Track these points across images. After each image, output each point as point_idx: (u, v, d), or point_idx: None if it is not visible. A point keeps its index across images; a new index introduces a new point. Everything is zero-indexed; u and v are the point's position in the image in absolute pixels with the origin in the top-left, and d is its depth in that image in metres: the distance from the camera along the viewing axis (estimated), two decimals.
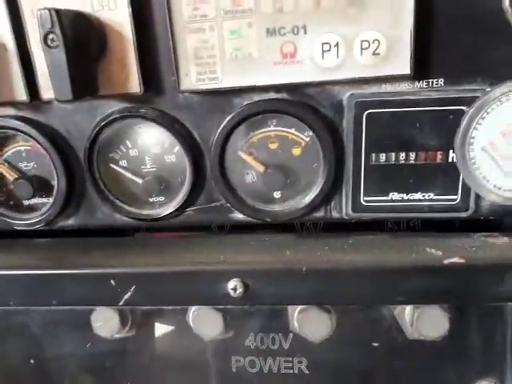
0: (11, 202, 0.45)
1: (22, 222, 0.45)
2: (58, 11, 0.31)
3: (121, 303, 0.40)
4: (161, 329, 0.51)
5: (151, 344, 0.54)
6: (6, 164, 0.43)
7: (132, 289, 0.41)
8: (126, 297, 0.41)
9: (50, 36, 0.32)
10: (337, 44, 0.33)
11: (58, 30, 0.32)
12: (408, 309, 0.47)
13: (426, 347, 0.49)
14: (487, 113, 0.33)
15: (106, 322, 0.48)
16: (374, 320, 0.50)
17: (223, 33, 0.33)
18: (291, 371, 0.55)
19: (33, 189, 0.44)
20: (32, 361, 0.48)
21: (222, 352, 0.54)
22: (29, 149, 0.43)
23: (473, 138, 0.33)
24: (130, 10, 0.34)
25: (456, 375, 0.52)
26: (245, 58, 0.34)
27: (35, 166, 0.44)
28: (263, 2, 0.33)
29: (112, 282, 0.40)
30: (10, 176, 0.43)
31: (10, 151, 0.44)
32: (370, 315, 0.51)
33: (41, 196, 0.44)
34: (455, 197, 0.38)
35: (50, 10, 0.31)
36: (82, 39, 0.33)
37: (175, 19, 0.34)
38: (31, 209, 0.45)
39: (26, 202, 0.45)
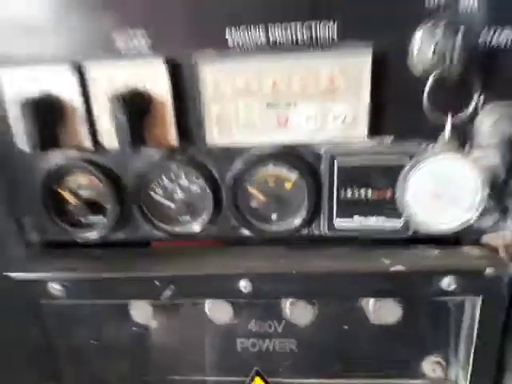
0: (73, 221, 0.56)
1: (82, 235, 0.56)
2: (125, 96, 0.44)
3: (162, 298, 0.53)
4: (182, 317, 0.64)
5: (175, 328, 0.64)
6: (69, 191, 0.56)
7: (170, 287, 0.53)
8: (165, 293, 0.53)
9: (117, 109, 0.45)
10: (316, 116, 0.47)
11: (122, 106, 0.45)
12: (371, 301, 0.58)
13: (385, 330, 0.60)
14: (420, 167, 0.46)
15: (143, 312, 0.62)
16: (346, 309, 0.61)
17: (238, 105, 0.47)
18: (284, 350, 0.66)
19: (90, 211, 0.55)
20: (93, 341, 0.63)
21: (230, 335, 0.65)
22: (88, 180, 0.55)
23: (408, 185, 0.47)
24: (170, 84, 0.46)
25: (409, 352, 0.63)
26: (252, 123, 0.47)
27: (92, 193, 0.55)
28: (265, 85, 0.46)
29: (156, 282, 0.53)
30: (72, 200, 0.56)
31: (72, 181, 0.54)
32: (343, 306, 0.61)
33: (96, 216, 0.56)
34: (399, 222, 0.51)
35: (117, 96, 0.44)
36: (137, 107, 0.47)
37: (203, 94, 0.46)
38: (89, 226, 0.56)
39: (84, 221, 0.56)
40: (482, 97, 0.44)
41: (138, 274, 0.55)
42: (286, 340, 0.64)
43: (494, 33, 0.43)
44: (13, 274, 0.56)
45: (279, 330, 0.64)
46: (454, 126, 0.45)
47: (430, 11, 0.42)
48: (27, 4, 0.45)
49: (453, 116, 0.44)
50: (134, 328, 0.62)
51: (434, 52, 0.41)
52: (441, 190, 0.46)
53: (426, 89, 0.43)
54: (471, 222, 0.47)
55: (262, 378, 0.63)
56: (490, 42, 0.43)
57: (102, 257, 0.57)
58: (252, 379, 0.63)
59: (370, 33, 0.43)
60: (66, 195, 0.55)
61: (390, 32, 0.43)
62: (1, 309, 0.61)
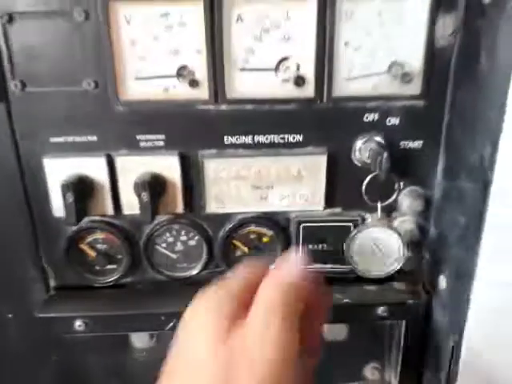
0: (92, 269, 0.68)
1: (99, 280, 0.68)
2: (148, 181, 0.59)
3: (167, 329, 0.66)
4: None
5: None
6: (89, 246, 0.68)
7: (173, 321, 0.65)
8: (170, 325, 0.66)
9: (141, 190, 0.60)
10: (288, 195, 0.63)
11: (144, 187, 0.60)
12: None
13: (336, 344, 0.75)
14: (361, 232, 0.63)
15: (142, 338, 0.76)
16: None
17: (231, 187, 0.63)
18: None
19: (106, 261, 0.69)
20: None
21: None
22: (104, 237, 0.67)
23: (353, 244, 0.65)
24: (180, 172, 0.62)
25: (352, 361, 0.78)
26: (241, 199, 0.63)
27: (108, 246, 0.67)
28: (251, 173, 0.62)
29: (163, 317, 0.66)
30: (91, 253, 0.69)
31: (92, 238, 0.67)
32: None
33: (111, 265, 0.68)
34: (347, 268, 0.66)
35: (141, 181, 0.59)
36: (155, 188, 0.61)
37: (206, 179, 0.61)
38: (104, 272, 0.68)
39: (100, 269, 0.68)
40: (402, 184, 0.64)
41: (145, 311, 0.69)
42: None
43: (410, 141, 0.62)
44: (41, 314, 0.67)
45: None
46: (384, 208, 0.64)
47: (366, 125, 0.61)
48: (74, 108, 0.59)
49: (382, 202, 0.63)
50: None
51: (368, 157, 0.59)
52: (375, 248, 0.64)
53: (364, 184, 0.61)
54: (395, 269, 0.66)
55: None
56: (407, 147, 0.62)
57: (115, 297, 0.69)
58: None
59: (325, 140, 0.61)
60: (87, 249, 0.69)
61: (339, 139, 0.61)
62: (26, 344, 0.71)
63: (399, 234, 0.62)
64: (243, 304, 0.38)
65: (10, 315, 0.71)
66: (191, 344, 0.37)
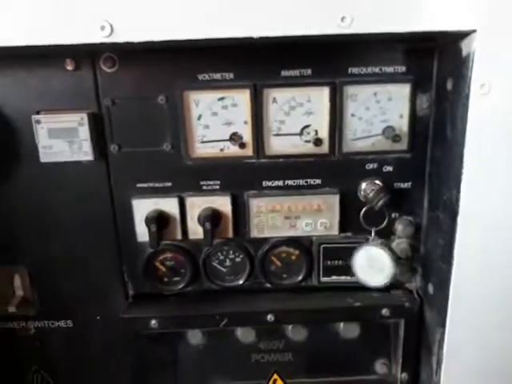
0: (163, 281, 0.87)
1: (168, 289, 0.88)
2: (209, 215, 0.81)
3: (220, 326, 0.85)
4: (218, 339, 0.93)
5: (213, 346, 0.92)
6: (160, 262, 0.89)
7: (225, 320, 0.84)
8: (223, 323, 0.85)
9: (204, 222, 0.82)
10: (311, 223, 0.83)
11: (206, 219, 0.81)
12: (341, 324, 0.88)
13: (350, 341, 0.89)
14: (361, 251, 0.80)
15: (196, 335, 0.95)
16: (326, 329, 0.89)
17: (268, 218, 0.83)
18: (283, 360, 0.92)
19: (172, 274, 0.90)
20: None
21: (247, 351, 0.92)
22: (172, 256, 0.87)
23: (355, 260, 0.83)
24: (231, 208, 0.83)
25: (365, 357, 0.92)
26: (276, 226, 0.83)
27: (174, 263, 0.86)
28: (284, 208, 0.84)
29: (217, 317, 0.85)
30: (162, 268, 0.89)
31: (163, 257, 0.90)
32: (324, 327, 0.89)
33: (176, 277, 0.88)
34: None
35: (204, 215, 0.81)
36: (213, 220, 0.82)
37: (250, 213, 0.81)
38: (171, 283, 0.87)
39: (168, 280, 0.87)
40: (397, 214, 0.84)
41: (203, 312, 0.88)
42: (284, 353, 0.93)
43: (402, 183, 0.83)
44: (125, 315, 0.87)
45: (280, 346, 0.92)
46: (377, 232, 0.83)
47: (368, 172, 0.82)
48: (155, 163, 0.81)
49: (376, 227, 0.83)
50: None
51: (369, 196, 0.80)
52: (372, 263, 0.81)
53: (361, 214, 0.81)
54: (389, 281, 0.81)
55: (279, 376, 0.94)
56: (399, 187, 0.83)
57: (180, 302, 0.89)
58: (271, 377, 0.97)
59: (338, 183, 0.82)
60: (159, 265, 0.90)
61: (348, 183, 0.81)
62: (112, 339, 0.91)
63: (390, 252, 0.80)
64: None
65: (98, 317, 0.92)
66: None
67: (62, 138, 0.76)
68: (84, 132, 0.76)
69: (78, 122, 0.76)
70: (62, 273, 0.87)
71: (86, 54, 0.73)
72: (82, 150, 0.77)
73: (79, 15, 0.59)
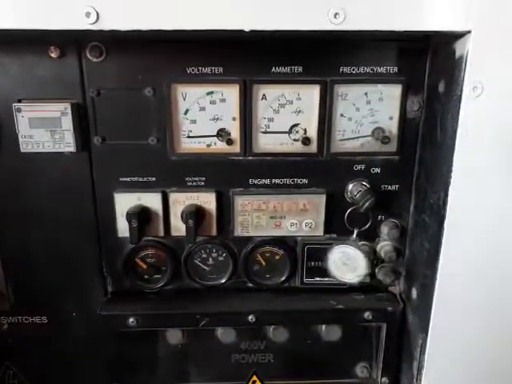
0: (143, 278, 0.85)
1: (148, 286, 0.86)
2: (193, 212, 0.79)
3: (200, 325, 0.83)
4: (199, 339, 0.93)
5: (193, 346, 0.92)
6: (140, 259, 0.88)
7: (205, 320, 0.83)
8: (203, 323, 0.83)
9: (188, 218, 0.80)
10: (296, 223, 0.83)
11: (190, 216, 0.80)
12: (324, 326, 0.89)
13: (331, 344, 0.91)
14: (337, 249, 0.81)
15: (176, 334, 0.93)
16: (308, 331, 0.90)
17: (253, 217, 0.83)
18: (264, 361, 0.93)
19: (153, 272, 0.88)
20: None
21: (227, 351, 0.91)
22: (154, 253, 0.86)
23: (330, 257, 0.81)
24: (215, 205, 0.82)
25: (347, 359, 0.93)
26: (260, 226, 0.83)
27: (155, 260, 0.85)
28: (269, 207, 0.82)
29: (197, 316, 0.83)
30: (143, 265, 0.88)
31: (144, 253, 0.85)
32: (306, 329, 0.90)
33: (157, 274, 0.86)
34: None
35: (187, 212, 0.79)
36: (197, 216, 0.80)
37: (234, 210, 0.80)
38: (151, 281, 0.86)
39: (149, 278, 0.86)
40: (383, 216, 0.84)
41: (183, 311, 0.86)
42: (265, 354, 0.93)
43: (389, 185, 0.82)
44: (102, 312, 0.85)
45: (261, 347, 0.92)
46: (362, 234, 0.82)
47: (356, 173, 0.81)
48: (140, 157, 0.79)
49: (359, 229, 0.82)
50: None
51: (355, 197, 0.79)
52: (347, 261, 0.81)
53: (346, 215, 0.81)
54: (361, 279, 0.82)
55: (258, 377, 0.95)
56: (386, 189, 0.82)
57: (160, 300, 0.87)
58: (250, 378, 0.96)
59: (325, 183, 0.81)
60: (139, 262, 0.88)
61: (335, 183, 0.81)
62: (89, 336, 0.89)
63: (365, 254, 0.80)
64: None
65: (74, 313, 0.90)
66: None
67: (44, 128, 0.74)
68: (67, 122, 0.74)
69: (60, 112, 0.73)
70: (38, 266, 0.84)
71: (72, 42, 0.71)
72: (64, 141, 0.75)
73: (64, 0, 0.56)
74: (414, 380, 0.82)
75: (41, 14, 0.57)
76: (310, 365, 0.94)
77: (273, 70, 0.73)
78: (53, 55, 0.72)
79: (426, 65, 0.73)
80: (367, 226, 0.81)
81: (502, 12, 0.57)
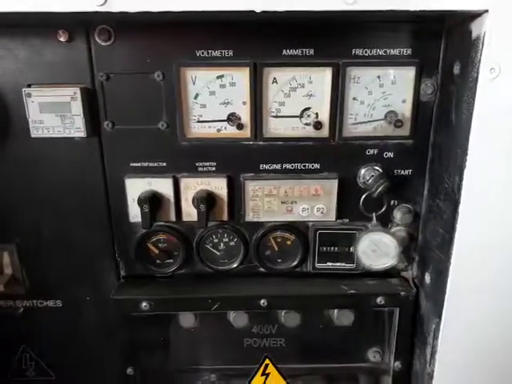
0: (155, 262, 0.86)
1: (160, 271, 0.86)
2: (204, 197, 0.79)
3: (212, 309, 0.84)
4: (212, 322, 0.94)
5: (205, 330, 0.93)
6: (153, 244, 0.89)
7: (217, 304, 0.83)
8: (215, 307, 0.84)
9: (199, 203, 0.80)
10: (307, 208, 0.82)
11: (201, 201, 0.80)
12: (335, 311, 0.88)
13: (344, 328, 0.90)
14: (364, 236, 0.80)
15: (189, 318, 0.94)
16: (320, 316, 0.90)
17: (264, 202, 0.82)
18: (276, 346, 0.93)
19: (165, 256, 0.89)
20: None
21: (239, 335, 0.92)
22: (166, 238, 0.86)
23: (358, 245, 0.81)
24: (227, 190, 0.82)
25: (359, 344, 0.93)
26: (272, 211, 0.82)
27: (168, 245, 0.85)
28: (280, 192, 0.81)
29: (209, 300, 0.84)
30: (155, 250, 0.88)
31: (156, 238, 0.85)
32: (318, 314, 0.90)
33: (169, 259, 0.87)
34: (353, 265, 0.84)
35: (199, 197, 0.79)
36: (209, 201, 0.80)
37: (246, 195, 0.80)
38: (163, 265, 0.86)
39: (161, 262, 0.86)
40: (396, 201, 0.82)
41: (195, 295, 0.87)
42: (277, 338, 0.93)
43: (402, 170, 0.81)
44: (115, 297, 0.86)
45: (273, 331, 0.93)
46: (378, 217, 0.82)
47: (368, 158, 0.80)
48: (150, 141, 0.79)
49: (376, 213, 0.81)
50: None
51: (368, 182, 0.78)
52: (375, 248, 0.80)
53: (361, 200, 0.80)
54: (392, 265, 0.82)
55: (271, 361, 0.94)
56: (399, 174, 0.81)
57: (172, 284, 0.88)
58: (262, 362, 0.97)
59: (337, 168, 0.80)
60: (152, 247, 0.89)
61: (347, 168, 0.80)
62: (102, 319, 0.90)
63: (393, 235, 0.80)
64: None
65: (88, 298, 0.91)
66: None
67: (54, 113, 0.74)
68: (77, 107, 0.74)
69: (70, 97, 0.73)
70: (52, 252, 0.85)
71: (80, 25, 0.70)
72: (74, 126, 0.75)
73: None
74: (427, 365, 0.82)
75: None
76: (322, 349, 0.94)
77: (284, 52, 0.72)
78: (61, 39, 0.72)
79: (441, 46, 0.71)
80: (382, 211, 0.80)
81: None
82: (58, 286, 0.88)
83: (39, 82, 0.73)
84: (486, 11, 0.56)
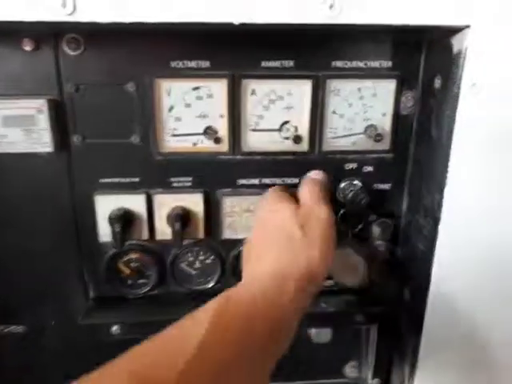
0: (126, 283, 0.81)
1: (132, 292, 0.82)
2: (179, 214, 0.75)
3: None
4: None
5: None
6: (124, 264, 0.85)
7: None
8: None
9: (174, 220, 0.76)
10: None
11: (176, 218, 0.76)
12: (313, 330, 0.86)
13: (322, 346, 0.86)
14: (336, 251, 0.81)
15: None
16: (299, 334, 0.89)
17: (242, 218, 0.80)
18: None
19: (137, 277, 0.85)
20: None
21: None
22: (138, 257, 0.82)
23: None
24: (203, 207, 0.78)
25: (336, 359, 0.91)
26: (250, 227, 0.80)
27: (140, 264, 0.81)
28: None
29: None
30: (126, 270, 0.84)
31: (127, 257, 0.81)
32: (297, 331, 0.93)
33: (141, 279, 0.82)
34: (331, 281, 0.86)
35: (173, 215, 0.76)
36: (183, 219, 0.77)
37: (222, 212, 0.77)
38: (136, 286, 0.82)
39: (133, 283, 0.82)
40: (375, 216, 0.81)
41: (169, 318, 0.83)
42: None
43: (381, 184, 0.80)
44: (83, 322, 0.80)
45: None
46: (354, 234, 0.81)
47: (347, 172, 0.78)
48: (122, 156, 0.75)
49: (353, 229, 0.80)
50: None
51: (347, 197, 0.76)
52: (346, 264, 0.77)
53: (339, 215, 0.78)
54: (364, 282, 0.79)
55: None
56: (379, 188, 0.80)
57: (145, 306, 0.83)
58: None
59: None
60: (123, 267, 0.84)
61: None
62: (68, 345, 0.85)
63: (363, 257, 0.78)
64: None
65: (52, 322, 0.85)
66: (276, 213, 0.62)
67: (19, 127, 0.69)
68: (43, 120, 0.69)
69: (36, 109, 0.69)
70: (13, 273, 0.80)
71: (47, 34, 0.66)
72: (40, 141, 0.70)
73: None
74: (406, 380, 0.80)
75: (10, 2, 0.52)
76: (298, 365, 0.92)
77: (262, 64, 0.70)
78: (26, 48, 0.67)
79: (421, 59, 0.70)
80: (361, 226, 0.78)
81: (502, 6, 0.55)
82: (20, 309, 0.82)
83: (2, 93, 0.68)
84: (468, 27, 0.56)
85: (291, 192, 0.69)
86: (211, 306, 0.53)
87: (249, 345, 0.50)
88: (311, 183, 0.68)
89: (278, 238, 0.58)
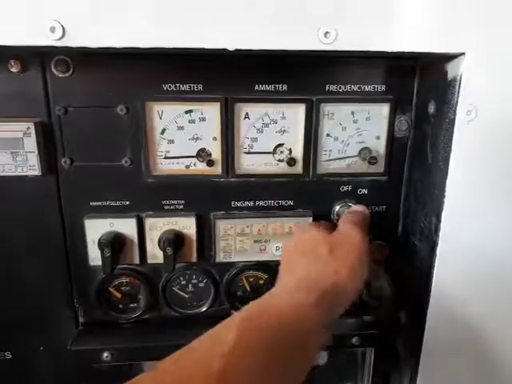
0: (117, 308, 0.80)
1: (123, 317, 0.80)
2: (171, 239, 0.74)
3: None
4: None
5: None
6: (114, 288, 0.83)
7: None
8: None
9: (166, 245, 0.74)
10: (280, 247, 0.80)
11: (169, 242, 0.74)
12: None
13: (318, 368, 0.88)
14: None
15: None
16: None
17: (236, 241, 0.79)
18: None
19: (128, 301, 0.83)
20: None
21: None
22: (129, 281, 0.81)
23: None
24: (196, 229, 0.77)
25: (332, 381, 0.91)
26: (244, 250, 0.79)
27: (131, 288, 0.80)
28: (254, 231, 0.78)
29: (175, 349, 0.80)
30: (117, 294, 0.82)
31: (118, 282, 0.80)
32: None
33: (132, 304, 0.81)
34: None
35: (165, 239, 0.74)
36: (176, 242, 0.76)
37: (216, 235, 0.75)
38: (127, 310, 0.80)
39: (124, 307, 0.80)
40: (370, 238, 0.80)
41: (161, 343, 0.81)
42: None
43: (376, 206, 0.79)
44: (73, 347, 0.78)
45: None
46: None
47: (342, 194, 0.78)
48: (112, 179, 0.73)
49: None
50: None
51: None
52: None
53: None
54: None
55: None
56: (373, 210, 0.79)
57: (136, 331, 0.81)
58: None
59: (311, 205, 0.77)
60: (113, 291, 0.82)
61: (321, 205, 0.77)
62: (58, 372, 0.83)
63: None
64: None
65: (41, 347, 0.83)
66: (308, 234, 0.65)
67: (6, 150, 0.67)
68: (30, 143, 0.67)
69: (23, 132, 0.67)
70: (2, 297, 0.77)
71: (35, 56, 0.64)
72: (27, 164, 0.68)
73: (25, 12, 0.51)
74: None
75: None
76: None
77: (256, 87, 0.69)
78: (13, 70, 0.66)
79: (415, 84, 0.70)
80: None
81: (497, 34, 0.54)
82: (7, 335, 0.80)
83: None
84: (463, 54, 0.55)
85: (331, 224, 0.72)
86: (240, 314, 0.54)
87: (277, 355, 0.49)
88: (352, 212, 0.70)
89: (308, 253, 0.60)
